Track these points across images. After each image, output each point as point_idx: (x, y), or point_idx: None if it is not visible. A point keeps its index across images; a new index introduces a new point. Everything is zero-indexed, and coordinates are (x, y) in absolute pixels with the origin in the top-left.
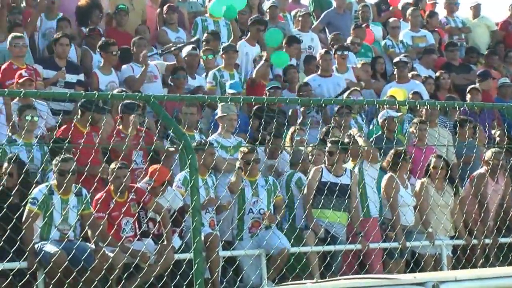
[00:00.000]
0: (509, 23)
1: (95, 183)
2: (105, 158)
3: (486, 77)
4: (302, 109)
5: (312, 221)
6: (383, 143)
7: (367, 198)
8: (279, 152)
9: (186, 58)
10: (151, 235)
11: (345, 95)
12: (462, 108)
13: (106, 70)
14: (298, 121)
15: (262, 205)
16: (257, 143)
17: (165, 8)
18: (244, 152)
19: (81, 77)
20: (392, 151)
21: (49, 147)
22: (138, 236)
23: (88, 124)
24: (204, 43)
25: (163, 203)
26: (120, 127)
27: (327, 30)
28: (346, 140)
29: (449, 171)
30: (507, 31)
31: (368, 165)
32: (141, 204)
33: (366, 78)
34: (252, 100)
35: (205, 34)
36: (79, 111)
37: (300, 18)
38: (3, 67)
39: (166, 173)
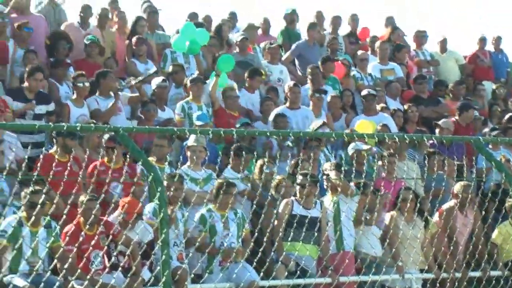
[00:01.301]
0: (477, 56)
1: (64, 216)
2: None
3: (466, 108)
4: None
5: (282, 254)
6: (352, 176)
7: (340, 231)
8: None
9: (155, 90)
10: (120, 268)
11: (311, 126)
12: (431, 141)
13: (78, 103)
14: (277, 153)
15: (232, 238)
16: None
17: (134, 39)
18: (220, 185)
19: (51, 107)
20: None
21: (19, 178)
22: (108, 269)
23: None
24: (171, 75)
25: (132, 236)
26: (105, 159)
27: (297, 62)
28: (326, 172)
29: (418, 204)
30: (475, 64)
31: (342, 198)
32: (110, 237)
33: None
34: (222, 132)
35: (170, 67)
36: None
37: (269, 50)
38: None
39: (137, 206)
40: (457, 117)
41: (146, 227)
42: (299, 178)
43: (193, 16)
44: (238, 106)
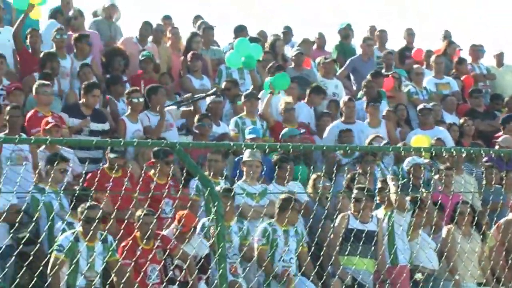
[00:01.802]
0: None
1: (121, 230)
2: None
3: (509, 121)
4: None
5: (339, 268)
6: (409, 190)
7: (395, 245)
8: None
9: (210, 106)
10: (177, 283)
11: (367, 141)
12: (487, 155)
13: (133, 118)
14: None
15: (291, 254)
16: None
17: (189, 55)
18: (284, 201)
19: (106, 126)
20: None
21: (76, 194)
22: (164, 283)
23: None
24: (224, 90)
25: (189, 250)
26: (151, 172)
27: (352, 77)
28: (379, 185)
29: (476, 218)
30: None
31: (395, 212)
32: (167, 251)
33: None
34: (278, 147)
35: (224, 83)
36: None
37: (324, 65)
38: (28, 115)
39: (193, 219)
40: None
41: (202, 241)
42: (355, 192)
43: (240, 29)
44: (295, 119)
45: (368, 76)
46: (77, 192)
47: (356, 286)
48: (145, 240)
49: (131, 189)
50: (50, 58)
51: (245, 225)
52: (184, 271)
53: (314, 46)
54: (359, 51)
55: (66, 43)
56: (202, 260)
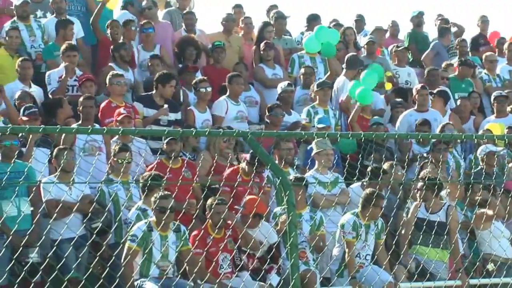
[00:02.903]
0: None
1: (193, 220)
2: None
3: None
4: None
5: (411, 257)
6: (482, 178)
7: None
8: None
9: (281, 95)
10: (249, 271)
11: (438, 129)
12: None
13: (201, 108)
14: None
15: (369, 250)
16: (355, 178)
17: (262, 45)
18: (369, 196)
19: (179, 116)
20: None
21: (147, 184)
22: (236, 272)
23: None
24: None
25: (260, 238)
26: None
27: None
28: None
29: None
30: None
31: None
32: (239, 241)
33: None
34: (349, 136)
35: (302, 69)
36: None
37: (396, 53)
38: (102, 105)
39: (264, 207)
40: None
41: (272, 229)
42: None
43: (313, 18)
44: (370, 109)
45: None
46: (147, 182)
47: (428, 275)
48: (216, 230)
49: (190, 179)
50: (120, 47)
51: (318, 214)
52: (255, 259)
53: (387, 34)
54: (432, 38)
55: (136, 33)
56: (274, 250)
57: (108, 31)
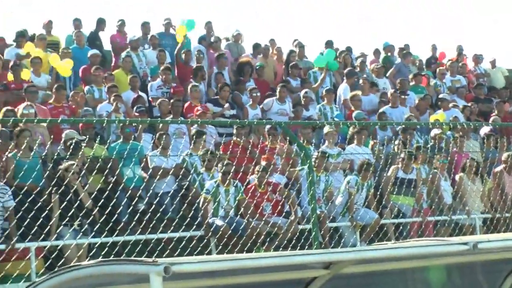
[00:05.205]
0: None
1: (248, 179)
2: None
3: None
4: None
5: (389, 202)
6: (435, 150)
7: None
8: None
9: (303, 97)
10: (283, 213)
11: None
12: (488, 127)
13: (253, 107)
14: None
15: (361, 200)
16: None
17: (290, 65)
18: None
19: (234, 112)
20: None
21: (218, 156)
22: (275, 214)
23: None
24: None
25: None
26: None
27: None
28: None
29: (479, 168)
30: None
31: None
32: (276, 193)
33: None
34: (348, 124)
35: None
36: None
37: (377, 70)
38: (185, 105)
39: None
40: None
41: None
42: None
43: (329, 43)
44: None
45: (410, 76)
46: (216, 155)
47: (401, 215)
48: (262, 186)
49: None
50: (199, 69)
51: (329, 177)
52: (288, 206)
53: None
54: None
55: (203, 59)
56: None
57: (183, 56)
